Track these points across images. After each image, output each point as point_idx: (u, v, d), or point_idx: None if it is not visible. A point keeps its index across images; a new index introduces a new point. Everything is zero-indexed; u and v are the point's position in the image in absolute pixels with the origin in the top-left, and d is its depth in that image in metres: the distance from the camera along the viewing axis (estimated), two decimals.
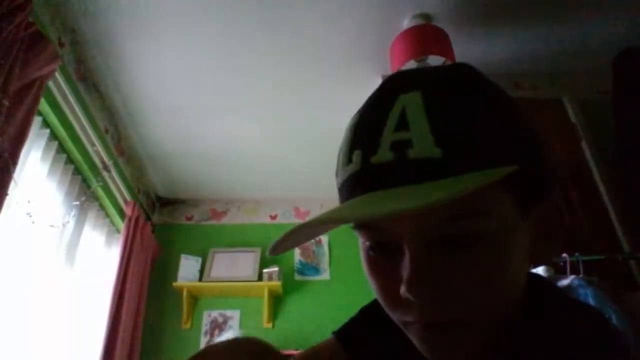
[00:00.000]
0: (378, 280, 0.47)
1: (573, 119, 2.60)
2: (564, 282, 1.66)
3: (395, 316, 0.47)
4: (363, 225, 0.46)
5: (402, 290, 0.42)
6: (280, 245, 0.44)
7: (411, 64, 2.29)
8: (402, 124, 0.42)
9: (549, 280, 0.54)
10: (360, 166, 0.44)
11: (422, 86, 0.44)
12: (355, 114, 0.49)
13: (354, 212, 0.41)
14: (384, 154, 0.42)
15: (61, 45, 2.28)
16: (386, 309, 0.48)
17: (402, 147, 0.42)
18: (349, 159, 0.46)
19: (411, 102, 0.43)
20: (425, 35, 2.27)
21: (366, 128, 0.45)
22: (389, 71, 2.41)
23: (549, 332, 0.47)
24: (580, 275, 1.66)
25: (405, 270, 0.42)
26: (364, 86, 2.77)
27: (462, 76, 0.46)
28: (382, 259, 0.46)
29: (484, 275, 0.42)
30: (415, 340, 0.46)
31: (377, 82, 2.57)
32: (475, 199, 0.41)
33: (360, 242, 0.49)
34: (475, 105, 0.44)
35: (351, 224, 0.47)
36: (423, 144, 0.41)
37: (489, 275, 0.43)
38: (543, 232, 0.49)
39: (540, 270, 1.71)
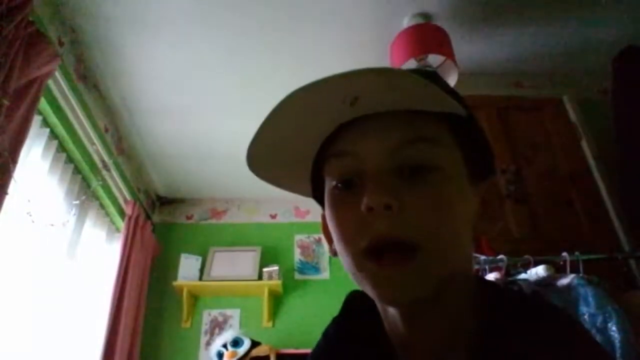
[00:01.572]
0: (341, 212, 0.50)
1: (573, 118, 2.60)
2: (564, 281, 1.66)
3: (351, 249, 0.48)
4: (334, 154, 0.51)
5: (364, 203, 0.46)
6: (261, 158, 0.51)
7: (411, 63, 2.29)
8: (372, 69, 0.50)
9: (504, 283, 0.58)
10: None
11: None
12: None
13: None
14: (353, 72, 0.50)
15: (61, 44, 2.28)
16: (344, 245, 0.49)
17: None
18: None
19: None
20: (425, 34, 2.27)
21: None
22: None
23: (512, 332, 0.48)
24: (580, 275, 1.66)
25: (370, 185, 0.47)
26: None
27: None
28: (346, 194, 0.50)
29: (436, 202, 0.47)
30: (367, 282, 0.48)
31: None
32: (430, 129, 0.49)
33: (326, 190, 0.53)
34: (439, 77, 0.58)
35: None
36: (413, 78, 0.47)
37: (441, 203, 0.47)
38: (485, 211, 0.54)
39: (540, 269, 1.71)
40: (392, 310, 0.52)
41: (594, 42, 2.61)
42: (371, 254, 0.47)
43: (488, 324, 0.49)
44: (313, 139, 0.53)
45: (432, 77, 0.56)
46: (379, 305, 0.55)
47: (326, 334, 0.62)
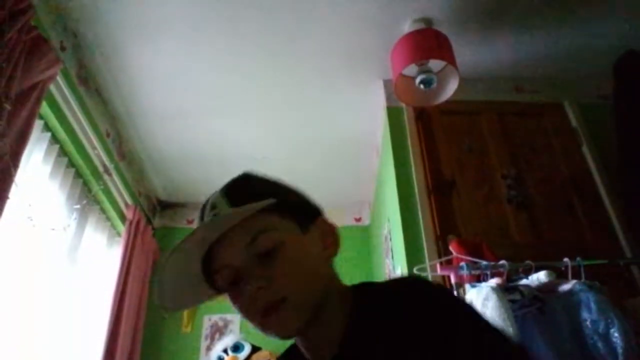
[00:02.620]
0: (240, 304, 0.71)
1: (574, 123, 2.60)
2: (566, 287, 1.65)
3: (254, 323, 0.70)
4: (215, 270, 0.71)
5: (246, 292, 0.68)
6: (171, 296, 0.73)
7: (412, 68, 2.29)
8: (213, 208, 0.75)
9: (372, 283, 0.77)
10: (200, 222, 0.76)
11: (221, 189, 0.79)
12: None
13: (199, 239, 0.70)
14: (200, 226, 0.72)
15: (63, 49, 2.28)
16: (249, 320, 0.71)
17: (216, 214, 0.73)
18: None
19: (216, 198, 0.76)
20: (426, 40, 2.27)
21: (198, 224, 0.76)
22: (390, 75, 2.41)
23: (368, 324, 0.69)
24: (582, 280, 1.66)
25: (244, 281, 0.69)
26: (365, 90, 2.77)
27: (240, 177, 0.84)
28: (236, 290, 0.71)
29: (291, 267, 0.69)
30: (266, 331, 0.69)
31: (379, 86, 2.58)
32: (261, 223, 0.71)
33: (226, 296, 0.74)
34: (252, 181, 0.83)
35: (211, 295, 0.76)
36: (224, 210, 0.72)
37: (294, 266, 0.69)
38: (326, 241, 0.77)
39: (541, 274, 1.71)
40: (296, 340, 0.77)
41: (594, 47, 2.61)
42: (263, 316, 0.68)
43: (352, 321, 0.70)
44: (197, 265, 0.73)
45: (245, 180, 0.82)
46: None
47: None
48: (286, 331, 0.70)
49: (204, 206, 0.78)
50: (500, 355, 0.63)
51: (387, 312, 0.67)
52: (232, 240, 0.70)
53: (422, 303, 0.65)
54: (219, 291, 0.75)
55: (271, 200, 0.70)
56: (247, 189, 0.78)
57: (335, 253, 0.78)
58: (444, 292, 0.70)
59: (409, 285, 0.71)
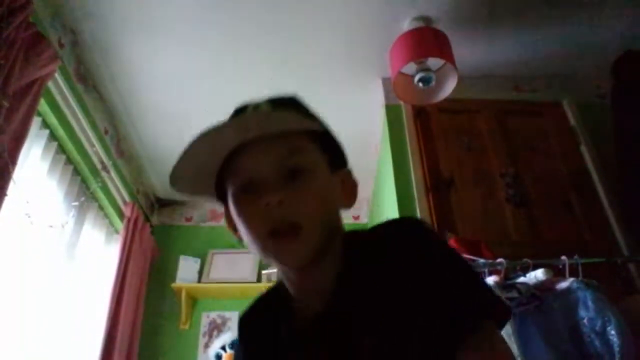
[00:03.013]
0: (246, 211, 0.69)
1: (572, 122, 2.61)
2: (563, 285, 1.66)
3: (256, 234, 0.68)
4: (235, 170, 0.70)
5: (263, 201, 0.65)
6: (180, 177, 0.72)
7: (411, 66, 2.29)
8: (256, 109, 0.74)
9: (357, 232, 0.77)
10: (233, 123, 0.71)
11: (265, 99, 0.76)
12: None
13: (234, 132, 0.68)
14: (244, 116, 0.73)
15: (61, 46, 2.28)
16: (250, 232, 0.69)
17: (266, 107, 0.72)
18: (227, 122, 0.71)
19: (260, 103, 0.75)
20: (425, 38, 2.27)
21: (233, 116, 0.76)
22: (389, 74, 2.41)
23: (357, 267, 0.70)
24: (579, 278, 1.66)
25: (265, 188, 0.67)
26: (364, 89, 2.77)
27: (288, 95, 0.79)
28: (246, 197, 0.69)
29: (315, 195, 0.68)
30: (271, 254, 0.69)
31: (377, 84, 2.58)
32: (300, 143, 0.70)
33: (230, 194, 0.72)
34: (300, 102, 0.79)
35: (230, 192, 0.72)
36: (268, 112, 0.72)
37: (318, 197, 0.69)
38: (345, 190, 0.78)
39: (539, 272, 1.71)
40: (290, 272, 0.74)
41: (593, 46, 2.62)
42: (271, 235, 0.67)
43: (343, 264, 0.72)
44: (218, 160, 0.72)
45: (293, 98, 0.79)
46: (281, 270, 0.77)
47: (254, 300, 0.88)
48: (296, 260, 0.68)
49: (242, 108, 0.76)
50: (474, 298, 0.65)
51: (373, 263, 0.69)
52: (267, 148, 0.68)
53: (405, 251, 0.67)
54: (219, 193, 0.75)
55: (322, 127, 0.70)
56: (297, 106, 0.77)
57: (349, 205, 0.78)
58: (428, 235, 0.70)
59: (395, 230, 0.72)
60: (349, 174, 0.80)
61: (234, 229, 0.77)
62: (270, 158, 0.68)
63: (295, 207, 0.66)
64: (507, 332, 1.46)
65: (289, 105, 0.76)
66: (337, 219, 0.76)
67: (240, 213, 0.70)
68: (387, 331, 0.64)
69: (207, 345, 3.13)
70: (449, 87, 2.33)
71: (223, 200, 0.77)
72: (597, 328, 1.52)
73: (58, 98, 2.28)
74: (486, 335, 0.63)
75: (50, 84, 2.14)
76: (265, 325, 0.82)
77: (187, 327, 3.28)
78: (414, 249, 0.67)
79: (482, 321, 0.63)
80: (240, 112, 0.77)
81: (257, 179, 0.68)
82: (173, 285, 3.25)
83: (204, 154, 0.69)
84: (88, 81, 2.59)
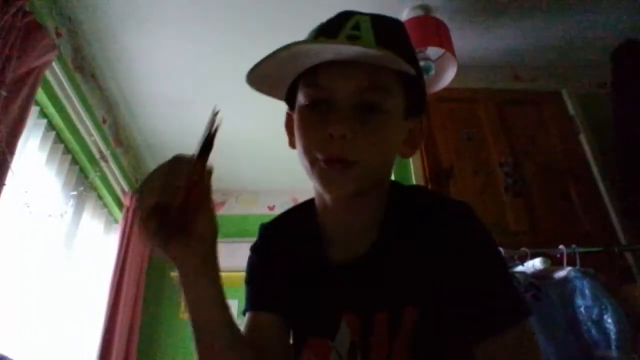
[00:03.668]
0: (307, 127, 0.68)
1: (572, 111, 2.60)
2: (561, 274, 1.67)
3: (310, 155, 0.67)
4: (312, 83, 0.68)
5: (328, 129, 0.63)
6: (260, 73, 0.68)
7: None
8: (356, 28, 0.67)
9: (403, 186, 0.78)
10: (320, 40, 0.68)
11: (369, 14, 0.71)
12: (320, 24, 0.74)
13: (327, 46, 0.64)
14: (340, 40, 0.66)
15: (58, 34, 2.26)
16: (305, 151, 0.68)
17: (353, 39, 0.66)
18: (313, 39, 0.70)
19: (363, 20, 0.69)
20: (424, 27, 2.26)
21: (330, 26, 0.70)
22: None
23: (403, 218, 0.72)
24: (577, 267, 1.67)
25: (334, 116, 0.64)
26: None
27: (393, 20, 0.76)
28: (314, 113, 0.67)
29: (378, 137, 0.66)
30: (316, 176, 0.67)
31: None
32: (387, 81, 0.66)
33: (298, 104, 0.71)
34: (403, 34, 0.75)
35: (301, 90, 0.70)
36: (367, 40, 0.66)
37: (381, 139, 0.67)
38: (411, 139, 0.75)
39: (537, 261, 1.72)
40: (330, 201, 0.73)
41: (593, 36, 2.60)
42: (323, 161, 0.66)
43: (389, 212, 0.72)
44: (299, 69, 0.69)
45: (397, 27, 0.76)
46: (318, 198, 0.77)
47: (277, 217, 0.88)
48: (338, 191, 0.68)
49: (341, 17, 0.71)
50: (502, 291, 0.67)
51: (419, 231, 0.70)
52: (350, 73, 0.65)
53: (455, 228, 0.68)
54: (287, 99, 0.75)
55: (413, 71, 0.65)
56: (398, 37, 0.73)
57: (409, 155, 0.77)
58: (478, 225, 0.72)
59: (446, 208, 0.72)
60: (420, 124, 0.76)
61: (291, 133, 0.76)
62: (350, 86, 0.65)
63: (356, 145, 0.64)
64: None
65: (392, 35, 0.72)
66: (391, 165, 0.75)
67: (302, 129, 0.69)
68: (425, 300, 0.67)
69: None
70: (449, 76, 2.32)
71: (291, 103, 0.75)
72: (594, 316, 1.53)
73: (56, 87, 2.27)
74: (513, 336, 0.64)
75: (47, 73, 2.13)
76: (290, 245, 0.82)
77: (186, 316, 3.29)
78: (463, 235, 0.68)
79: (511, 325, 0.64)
80: (343, 18, 0.71)
81: (330, 102, 0.66)
82: (172, 274, 3.26)
83: (288, 60, 0.66)
84: (86, 70, 2.58)
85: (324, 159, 0.65)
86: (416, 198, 0.75)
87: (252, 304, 0.84)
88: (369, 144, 0.65)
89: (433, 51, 2.28)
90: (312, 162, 0.67)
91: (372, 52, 0.62)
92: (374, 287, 0.71)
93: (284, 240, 0.84)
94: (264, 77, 0.69)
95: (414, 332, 0.67)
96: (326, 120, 0.65)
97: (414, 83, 0.70)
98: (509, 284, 0.69)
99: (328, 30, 0.69)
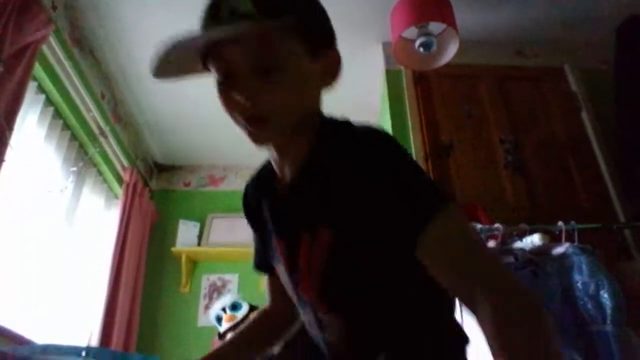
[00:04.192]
0: (223, 99, 0.74)
1: (573, 87, 2.59)
2: (559, 250, 1.68)
3: (235, 121, 0.75)
4: (212, 56, 0.72)
5: (234, 97, 0.71)
6: (162, 68, 0.71)
7: (412, 31, 2.25)
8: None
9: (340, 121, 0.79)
10: (206, 22, 0.75)
11: None
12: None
13: (205, 36, 0.72)
14: (215, 25, 0.73)
15: (54, 8, 2.22)
16: (231, 118, 0.75)
17: (233, 11, 0.71)
18: (202, 18, 0.77)
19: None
20: (426, 2, 2.23)
21: (213, 5, 0.77)
22: (390, 38, 2.37)
23: (327, 150, 0.75)
24: (575, 243, 1.69)
25: (235, 85, 0.71)
26: (364, 53, 2.73)
27: None
28: (225, 87, 0.73)
29: (284, 92, 0.71)
30: (245, 136, 0.75)
31: (377, 49, 2.53)
32: (274, 40, 0.70)
33: (215, 85, 0.75)
34: None
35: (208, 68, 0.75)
36: (245, 9, 0.70)
37: (288, 92, 0.72)
38: (328, 71, 0.79)
39: (535, 237, 1.73)
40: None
41: (596, 11, 2.56)
42: (245, 123, 0.73)
43: (314, 146, 0.76)
44: (199, 51, 0.73)
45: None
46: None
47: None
48: (262, 145, 0.76)
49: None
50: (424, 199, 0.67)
51: (342, 155, 0.72)
52: (240, 44, 0.70)
53: (374, 155, 0.70)
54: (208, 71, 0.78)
55: (291, 20, 0.69)
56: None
57: (331, 85, 0.81)
58: (396, 148, 0.72)
59: (368, 135, 0.73)
60: (332, 54, 0.80)
61: None
62: (242, 55, 0.70)
63: (263, 103, 0.71)
64: None
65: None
66: (315, 102, 0.80)
67: (221, 100, 0.75)
68: (340, 221, 0.72)
69: (207, 307, 3.19)
70: (451, 52, 2.30)
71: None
72: (591, 291, 1.55)
73: (53, 62, 2.25)
74: (437, 227, 0.64)
75: (45, 48, 2.10)
76: (254, 196, 0.94)
77: (187, 290, 3.33)
78: (375, 156, 0.70)
79: (434, 214, 0.64)
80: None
81: (232, 73, 0.72)
82: (173, 249, 3.29)
83: (185, 46, 0.71)
84: (83, 45, 2.55)
85: (243, 120, 0.73)
86: (340, 129, 0.77)
87: (255, 264, 0.99)
88: (276, 100, 0.71)
89: (435, 26, 2.25)
90: (239, 125, 0.75)
91: (238, 29, 0.70)
92: (295, 212, 0.78)
93: (251, 193, 0.96)
94: (171, 67, 0.75)
95: (330, 253, 0.72)
96: (233, 91, 0.72)
97: (305, 26, 0.74)
98: (421, 180, 0.69)
99: (211, 10, 0.76)
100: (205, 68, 0.77)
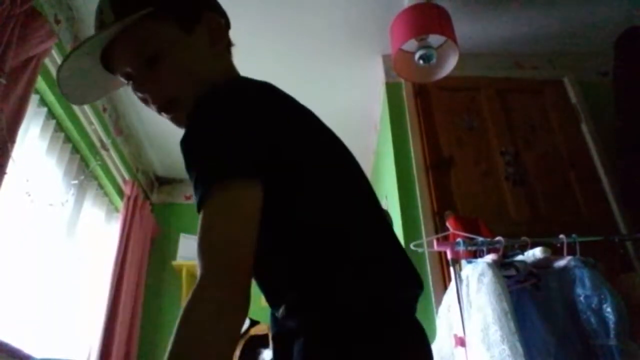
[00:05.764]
0: (139, 99, 0.79)
1: (573, 99, 2.59)
2: (561, 263, 1.67)
3: (155, 112, 0.80)
4: (111, 69, 0.79)
5: (138, 94, 0.78)
6: (69, 92, 0.82)
7: (411, 43, 2.27)
8: (100, 12, 0.77)
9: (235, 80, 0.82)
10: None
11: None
12: None
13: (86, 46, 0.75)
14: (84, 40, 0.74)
15: (57, 22, 2.25)
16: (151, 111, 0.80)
17: (100, 24, 0.76)
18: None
19: (103, 3, 0.77)
20: (426, 14, 2.24)
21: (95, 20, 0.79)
22: (390, 50, 2.39)
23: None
24: (577, 256, 1.67)
25: (133, 85, 0.77)
26: (364, 64, 2.75)
27: None
28: (133, 90, 0.78)
29: (176, 72, 0.76)
30: (168, 120, 0.80)
31: (377, 61, 2.55)
32: (144, 33, 0.74)
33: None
34: None
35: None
36: (107, 17, 0.75)
37: (179, 71, 0.76)
38: (213, 36, 0.81)
39: (537, 250, 1.72)
40: None
41: (595, 24, 2.58)
42: (162, 112, 0.79)
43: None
44: (96, 66, 0.79)
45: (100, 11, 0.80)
46: None
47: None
48: (182, 126, 0.77)
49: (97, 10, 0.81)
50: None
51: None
52: (119, 48, 0.75)
53: (187, 121, 0.70)
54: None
55: (149, 9, 0.73)
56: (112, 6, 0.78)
57: (221, 47, 0.84)
58: (205, 109, 0.69)
59: (205, 96, 0.70)
60: (208, 18, 0.82)
61: None
62: (124, 60, 0.76)
63: (162, 90, 0.76)
64: (503, 310, 1.47)
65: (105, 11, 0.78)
66: (212, 71, 0.80)
67: (136, 95, 0.80)
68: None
69: None
70: (450, 64, 2.31)
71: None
72: (593, 305, 1.53)
73: (56, 75, 2.26)
74: (204, 211, 0.62)
75: (47, 61, 2.12)
76: None
77: None
78: (187, 128, 0.69)
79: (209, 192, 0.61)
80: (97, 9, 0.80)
81: (127, 76, 0.78)
82: (174, 263, 3.27)
83: (81, 68, 0.78)
84: None
85: (158, 111, 0.79)
86: (206, 92, 0.72)
87: None
88: (172, 82, 0.76)
89: (435, 39, 2.27)
90: (159, 114, 0.80)
91: (97, 38, 0.74)
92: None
93: None
94: (81, 87, 0.83)
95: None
96: (135, 90, 0.78)
97: (164, 9, 0.77)
98: (200, 154, 0.65)
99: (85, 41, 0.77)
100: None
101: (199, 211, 0.62)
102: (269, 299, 0.76)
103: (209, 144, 0.64)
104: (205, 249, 0.61)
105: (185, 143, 0.67)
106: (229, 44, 0.88)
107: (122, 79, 0.80)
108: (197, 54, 0.79)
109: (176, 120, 0.80)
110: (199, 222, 0.62)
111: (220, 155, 0.63)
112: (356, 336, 0.61)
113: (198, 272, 0.60)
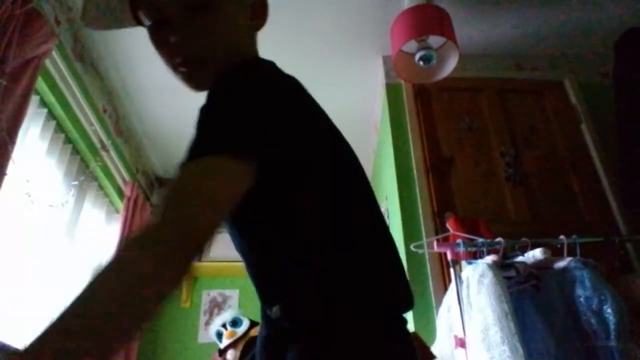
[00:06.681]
0: (157, 43, 0.75)
1: (574, 101, 2.59)
2: (561, 264, 1.67)
3: (170, 64, 0.76)
4: (141, 4, 0.73)
5: (168, 39, 0.71)
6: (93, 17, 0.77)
7: (412, 44, 2.27)
8: None
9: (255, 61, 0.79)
10: None
11: None
12: None
13: None
14: None
15: (58, 23, 2.25)
16: (165, 63, 0.76)
17: None
18: None
19: None
20: (426, 16, 2.24)
21: None
22: (390, 51, 2.39)
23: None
24: (577, 257, 1.67)
25: (167, 28, 0.72)
26: (364, 66, 2.75)
27: None
28: (157, 32, 0.74)
29: (218, 30, 0.73)
30: (180, 79, 0.77)
31: (378, 62, 2.55)
32: None
33: (147, 33, 0.76)
34: None
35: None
36: None
37: (221, 30, 0.73)
38: (256, 11, 0.82)
39: (537, 251, 1.72)
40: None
41: (595, 25, 2.58)
42: (179, 65, 0.74)
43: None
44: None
45: None
46: None
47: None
48: (198, 88, 0.76)
49: None
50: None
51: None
52: None
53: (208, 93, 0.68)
54: (140, 23, 0.77)
55: None
56: None
57: (258, 28, 0.84)
58: (225, 85, 0.67)
59: (229, 72, 0.69)
60: None
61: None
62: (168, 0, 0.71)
63: (196, 44, 0.72)
64: (504, 311, 1.47)
65: None
66: (244, 44, 0.80)
67: (154, 44, 0.76)
68: None
69: (207, 323, 3.17)
70: (450, 65, 2.31)
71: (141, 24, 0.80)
72: (594, 306, 1.53)
73: (56, 76, 2.26)
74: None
75: (47, 62, 2.12)
76: None
77: (188, 305, 3.32)
78: (207, 99, 0.68)
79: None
80: None
81: (163, 18, 0.72)
82: None
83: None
84: (86, 59, 2.57)
85: (178, 63, 0.74)
86: (235, 68, 0.71)
87: None
88: (208, 40, 0.72)
89: (435, 40, 2.27)
90: (174, 69, 0.76)
91: None
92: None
93: None
94: (100, 16, 0.77)
95: None
96: (166, 34, 0.72)
97: None
98: (205, 122, 0.65)
99: None
100: (135, 19, 0.77)
101: (181, 166, 0.59)
102: (262, 296, 0.76)
103: (228, 118, 0.63)
104: (172, 197, 0.57)
105: (206, 111, 0.66)
106: (258, 27, 0.85)
107: (144, 18, 0.74)
108: (240, 23, 0.78)
109: (190, 80, 0.76)
110: (178, 172, 0.59)
111: (235, 131, 0.61)
112: (355, 347, 0.61)
113: (154, 213, 0.57)
